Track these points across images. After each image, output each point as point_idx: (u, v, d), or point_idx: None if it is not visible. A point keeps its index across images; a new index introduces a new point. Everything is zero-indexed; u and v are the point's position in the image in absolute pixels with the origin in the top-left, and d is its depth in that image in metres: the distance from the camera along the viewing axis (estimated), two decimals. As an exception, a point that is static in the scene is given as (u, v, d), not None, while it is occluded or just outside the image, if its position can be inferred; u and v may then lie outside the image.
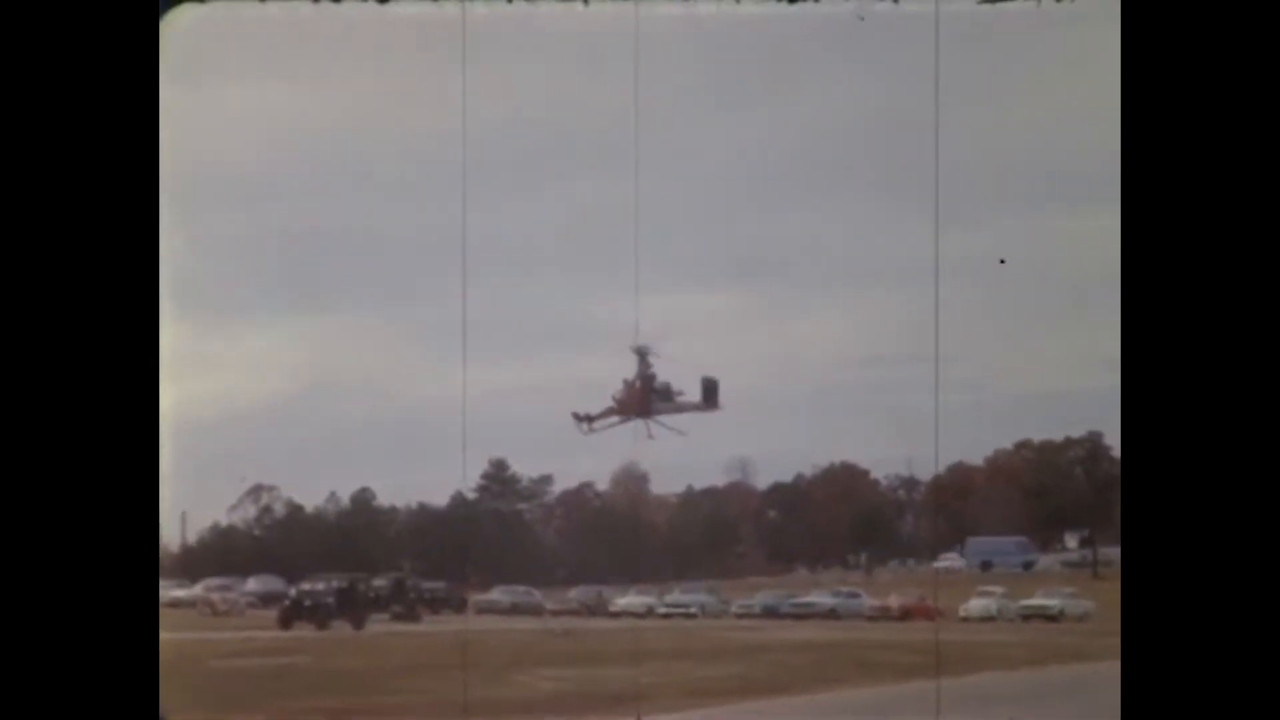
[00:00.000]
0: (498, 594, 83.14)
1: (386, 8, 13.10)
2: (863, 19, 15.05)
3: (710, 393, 38.72)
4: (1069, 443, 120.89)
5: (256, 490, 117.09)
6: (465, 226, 21.98)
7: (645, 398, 38.16)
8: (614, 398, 38.48)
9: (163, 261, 11.63)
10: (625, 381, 38.26)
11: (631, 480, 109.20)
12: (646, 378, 38.12)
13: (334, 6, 12.95)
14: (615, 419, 39.68)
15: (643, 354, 37.89)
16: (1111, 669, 12.05)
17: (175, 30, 12.06)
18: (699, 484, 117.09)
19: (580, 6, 13.29)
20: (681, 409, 38.81)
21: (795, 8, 12.81)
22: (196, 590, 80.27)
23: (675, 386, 38.76)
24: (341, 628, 62.12)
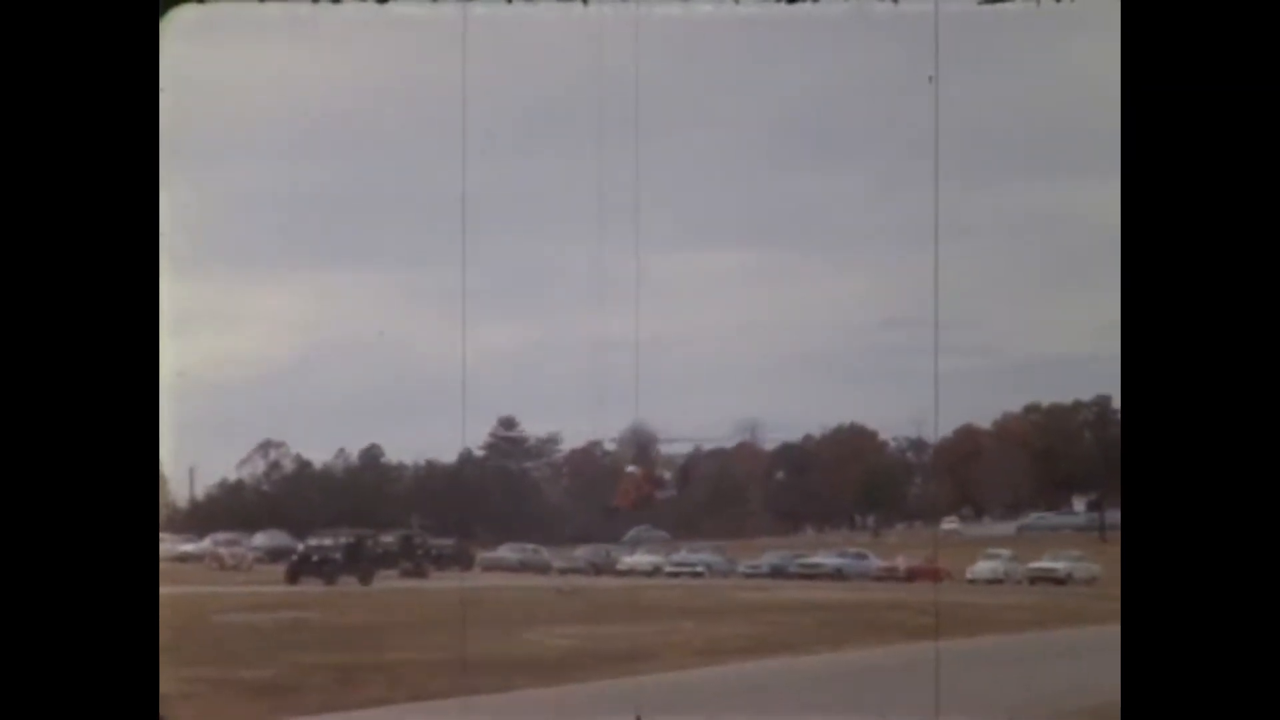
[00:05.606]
0: (505, 551, 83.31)
1: (386, 7, 13.08)
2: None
3: (685, 477, 43.22)
4: (1078, 406, 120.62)
5: (265, 446, 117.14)
6: (464, 183, 22.01)
7: (651, 487, 41.19)
8: (627, 488, 41.83)
9: (178, 221, 11.67)
10: (631, 474, 40.90)
11: (639, 440, 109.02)
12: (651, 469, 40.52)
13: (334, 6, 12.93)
14: (629, 507, 44.27)
15: (646, 446, 40.00)
16: (1118, 633, 12.08)
17: (176, 27, 12.04)
18: (707, 444, 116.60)
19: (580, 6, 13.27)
20: (670, 494, 43.28)
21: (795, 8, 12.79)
22: (205, 545, 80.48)
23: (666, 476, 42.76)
24: (349, 583, 62.34)
